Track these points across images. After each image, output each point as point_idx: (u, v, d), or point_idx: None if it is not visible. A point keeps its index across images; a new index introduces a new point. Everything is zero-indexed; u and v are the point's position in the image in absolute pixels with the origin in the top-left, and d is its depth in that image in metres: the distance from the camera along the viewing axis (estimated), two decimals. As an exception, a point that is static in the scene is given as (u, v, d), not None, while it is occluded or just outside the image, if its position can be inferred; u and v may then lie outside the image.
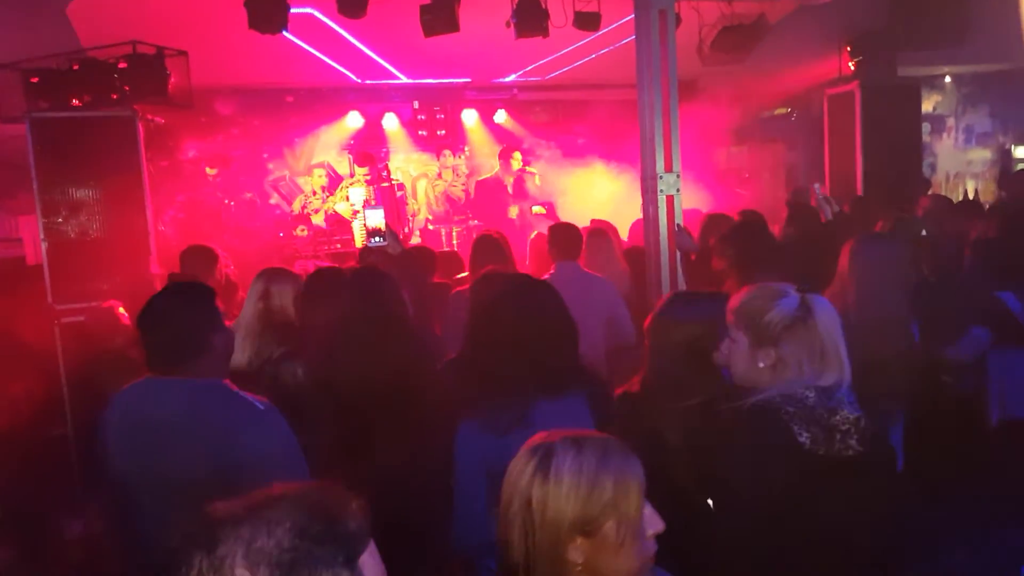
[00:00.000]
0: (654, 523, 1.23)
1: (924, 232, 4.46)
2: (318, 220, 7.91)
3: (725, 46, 6.08)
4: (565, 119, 8.87)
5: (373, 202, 3.10)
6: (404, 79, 8.35)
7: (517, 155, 8.12)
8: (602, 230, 4.67)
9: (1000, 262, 3.31)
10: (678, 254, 4.32)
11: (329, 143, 8.61)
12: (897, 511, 1.77)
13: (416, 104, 8.84)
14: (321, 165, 8.37)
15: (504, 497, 1.25)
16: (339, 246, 7.61)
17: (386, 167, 7.86)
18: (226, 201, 7.68)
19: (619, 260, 4.50)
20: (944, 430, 2.84)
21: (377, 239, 3.37)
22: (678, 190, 4.41)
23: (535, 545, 1.19)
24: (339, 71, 7.58)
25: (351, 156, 8.41)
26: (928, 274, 3.51)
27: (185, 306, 2.05)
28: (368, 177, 7.75)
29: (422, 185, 8.83)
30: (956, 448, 2.82)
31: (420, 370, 2.48)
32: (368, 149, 8.32)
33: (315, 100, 8.45)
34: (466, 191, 8.55)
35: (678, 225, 4.28)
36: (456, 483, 2.08)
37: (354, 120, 8.60)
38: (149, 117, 6.06)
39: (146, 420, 1.96)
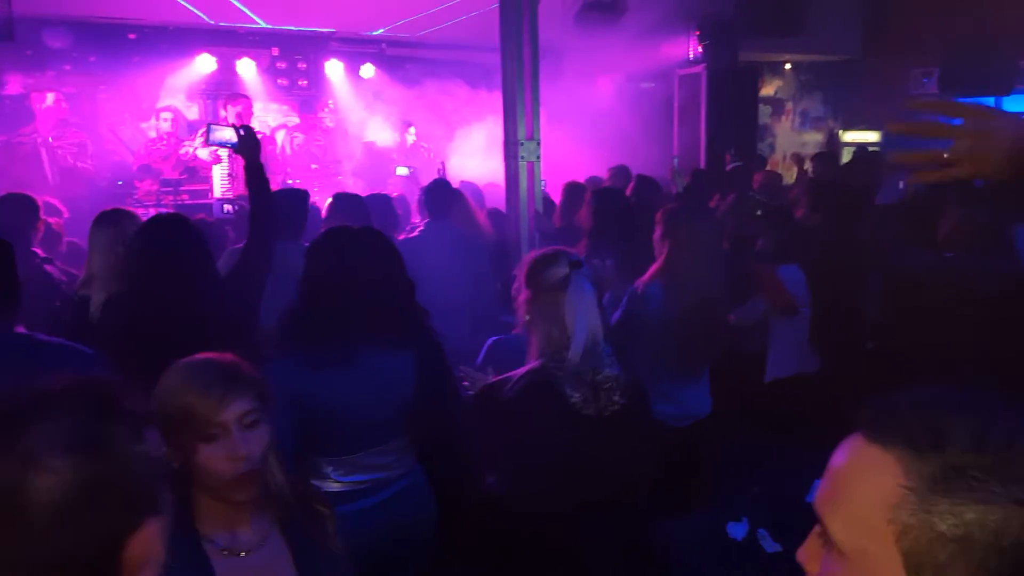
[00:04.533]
0: (245, 447, 1.37)
1: (759, 212, 4.90)
2: (164, 168, 7.39)
3: (587, 20, 6.27)
4: (437, 78, 8.74)
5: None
6: (262, 24, 7.91)
7: (412, 131, 7.96)
8: (460, 191, 4.76)
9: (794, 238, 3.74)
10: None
11: (176, 86, 8.02)
12: (658, 451, 2.04)
13: (275, 51, 8.41)
14: (167, 109, 7.80)
15: None
16: (188, 197, 7.16)
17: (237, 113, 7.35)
18: (49, 139, 6.97)
19: (477, 220, 4.62)
20: (730, 386, 3.23)
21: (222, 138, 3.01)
22: (538, 157, 4.55)
23: None
24: (188, 10, 7.06)
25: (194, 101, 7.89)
26: (727, 246, 3.91)
27: None
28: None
29: (280, 137, 8.46)
30: (740, 401, 3.23)
31: (216, 321, 2.42)
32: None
33: (161, 39, 7.80)
34: (323, 146, 8.27)
35: (536, 210, 4.44)
36: None
37: (205, 63, 8.04)
38: (-40, 45, 5.38)
39: None
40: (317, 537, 1.47)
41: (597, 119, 7.57)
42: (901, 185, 5.59)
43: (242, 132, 2.94)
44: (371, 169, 7.61)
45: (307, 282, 2.18)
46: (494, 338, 2.73)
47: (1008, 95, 11.28)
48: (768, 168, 8.44)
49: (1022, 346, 2.55)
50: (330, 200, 4.13)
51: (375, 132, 8.31)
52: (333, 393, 2.10)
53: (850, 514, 0.71)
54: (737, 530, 3.23)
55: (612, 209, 3.69)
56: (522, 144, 4.50)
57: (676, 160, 5.89)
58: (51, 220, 3.86)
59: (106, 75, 7.64)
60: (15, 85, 7.17)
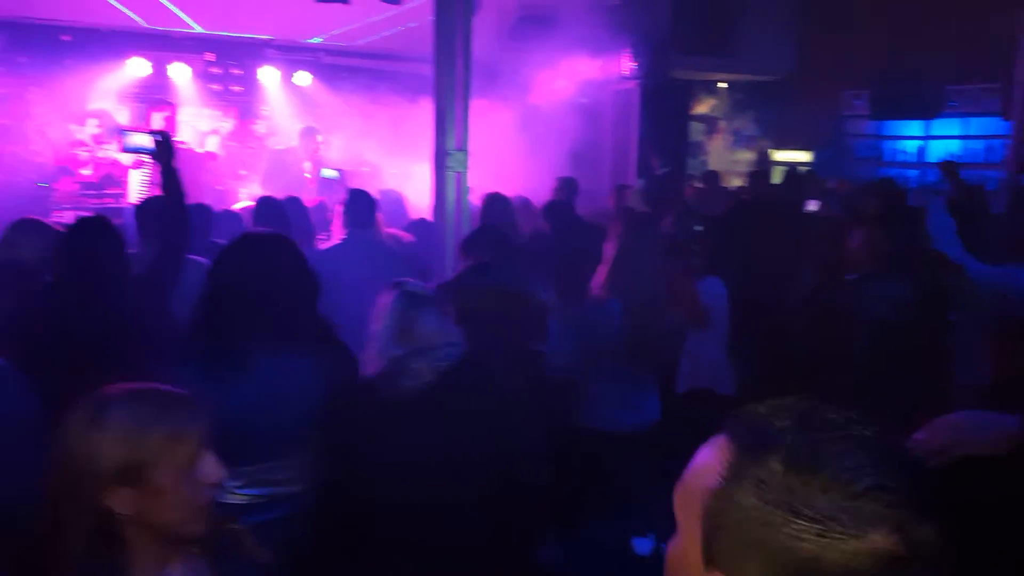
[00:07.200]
0: (213, 473, 1.30)
1: (698, 227, 5.04)
2: (87, 172, 7.22)
3: (521, 34, 6.41)
4: (373, 88, 8.74)
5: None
6: (198, 29, 7.84)
7: (320, 139, 7.84)
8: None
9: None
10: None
11: (108, 89, 7.87)
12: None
13: (210, 56, 8.32)
14: (95, 114, 7.63)
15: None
16: (113, 201, 7.01)
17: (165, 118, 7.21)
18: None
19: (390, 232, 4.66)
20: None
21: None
22: (466, 167, 4.62)
23: (75, 498, 1.21)
24: (122, 12, 6.97)
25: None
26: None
27: None
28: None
29: (212, 142, 8.34)
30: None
31: (130, 325, 2.45)
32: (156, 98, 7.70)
33: (94, 41, 7.66)
34: (253, 152, 8.16)
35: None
36: None
37: (138, 67, 7.90)
38: None
39: None
40: (240, 557, 1.41)
41: (532, 132, 7.69)
42: (811, 206, 5.86)
43: (159, 138, 2.95)
44: (279, 177, 7.33)
45: (207, 289, 2.17)
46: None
47: (935, 118, 11.76)
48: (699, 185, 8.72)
49: (908, 367, 2.68)
50: (249, 206, 4.10)
51: (286, 138, 8.12)
52: (228, 399, 2.03)
53: (684, 489, 0.78)
54: (643, 545, 3.16)
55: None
56: (450, 154, 4.56)
57: (642, 183, 6.10)
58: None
59: (37, 76, 7.46)
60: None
